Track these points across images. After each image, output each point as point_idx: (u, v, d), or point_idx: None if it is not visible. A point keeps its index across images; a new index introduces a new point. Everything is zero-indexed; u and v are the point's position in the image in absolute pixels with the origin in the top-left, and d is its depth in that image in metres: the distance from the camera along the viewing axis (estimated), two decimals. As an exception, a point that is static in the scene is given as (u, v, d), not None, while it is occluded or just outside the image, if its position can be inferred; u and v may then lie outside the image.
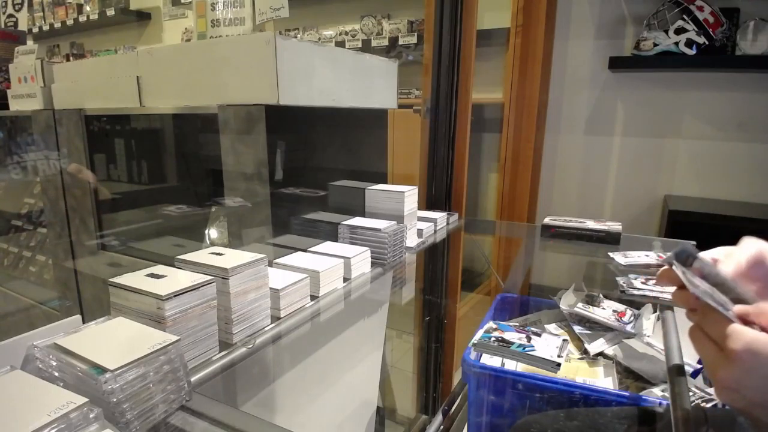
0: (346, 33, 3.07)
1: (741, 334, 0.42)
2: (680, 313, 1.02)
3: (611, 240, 1.30)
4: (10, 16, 1.62)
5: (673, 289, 0.51)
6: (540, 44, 2.18)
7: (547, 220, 1.40)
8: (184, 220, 1.24)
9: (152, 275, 0.63)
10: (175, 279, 0.61)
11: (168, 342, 0.51)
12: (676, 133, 2.17)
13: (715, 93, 2.07)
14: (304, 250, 0.93)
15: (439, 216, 1.28)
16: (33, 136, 1.39)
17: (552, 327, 1.27)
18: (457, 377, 1.68)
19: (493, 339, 1.06)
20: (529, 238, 1.67)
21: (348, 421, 1.20)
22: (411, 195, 1.12)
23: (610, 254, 1.23)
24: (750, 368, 0.41)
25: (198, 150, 1.19)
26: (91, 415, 0.42)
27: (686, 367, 0.58)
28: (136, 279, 0.61)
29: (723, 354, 0.43)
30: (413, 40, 2.82)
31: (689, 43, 1.91)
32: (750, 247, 0.51)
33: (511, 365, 1.09)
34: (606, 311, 1.21)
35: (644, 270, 1.16)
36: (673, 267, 0.49)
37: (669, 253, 0.51)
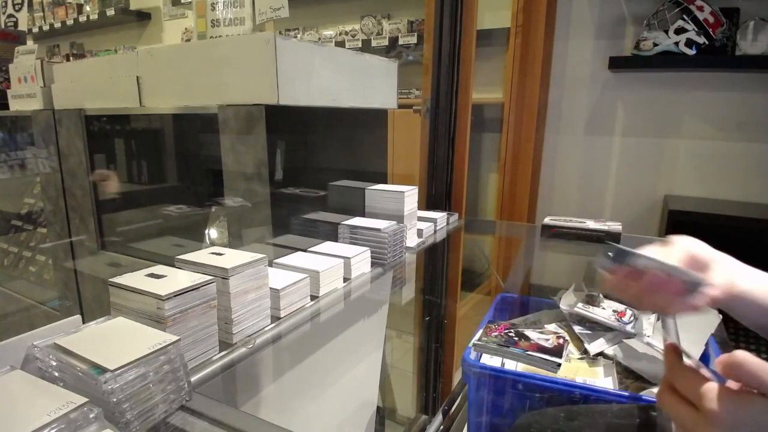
0: (346, 33, 3.07)
1: (717, 394, 0.40)
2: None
3: (611, 240, 1.30)
4: (10, 16, 1.62)
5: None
6: (540, 44, 2.18)
7: (547, 220, 1.40)
8: (184, 220, 1.24)
9: (152, 275, 0.62)
10: (175, 279, 0.61)
11: (168, 342, 0.51)
12: (676, 133, 2.17)
13: (715, 93, 2.06)
14: (304, 250, 0.93)
15: (439, 216, 1.28)
16: (33, 136, 1.39)
17: (552, 327, 1.27)
18: (457, 377, 1.68)
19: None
20: (529, 238, 1.67)
21: (348, 421, 1.20)
22: (411, 195, 1.12)
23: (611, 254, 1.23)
24: (731, 427, 0.39)
25: (198, 150, 1.19)
26: (91, 415, 0.42)
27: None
28: (136, 279, 0.61)
29: (701, 415, 0.41)
30: (413, 40, 2.82)
31: (689, 43, 1.91)
32: (680, 244, 0.54)
33: (511, 365, 1.09)
34: (606, 311, 1.21)
35: (644, 270, 1.16)
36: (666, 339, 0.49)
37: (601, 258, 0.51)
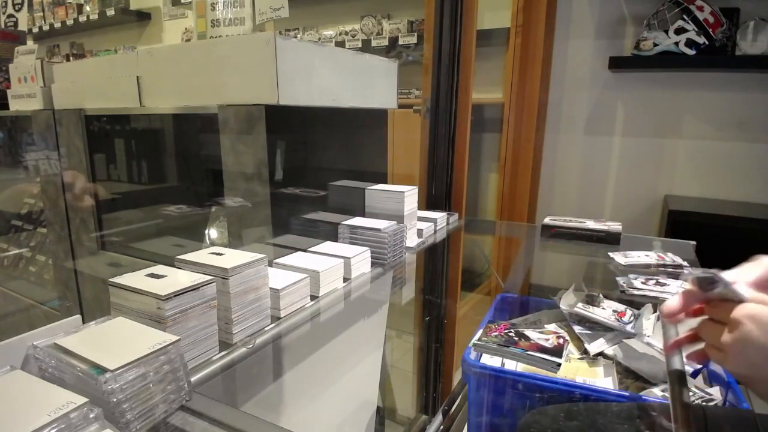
0: (346, 33, 3.07)
1: (742, 306, 0.47)
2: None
3: (611, 240, 1.30)
4: (10, 16, 1.62)
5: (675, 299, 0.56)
6: (540, 44, 2.18)
7: (547, 220, 1.40)
8: (184, 220, 1.24)
9: (152, 275, 0.62)
10: (175, 279, 0.61)
11: (168, 342, 0.51)
12: (676, 133, 2.17)
13: (715, 93, 2.06)
14: (304, 250, 0.93)
15: (439, 216, 1.28)
16: (33, 136, 1.40)
17: (552, 327, 1.27)
18: (457, 377, 1.68)
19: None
20: (529, 238, 1.67)
21: (348, 421, 1.20)
22: (411, 195, 1.12)
23: (610, 254, 1.23)
24: (749, 330, 0.46)
25: (198, 150, 1.19)
26: (91, 415, 0.42)
27: (686, 367, 0.58)
28: (136, 279, 0.61)
29: (727, 328, 0.48)
30: (413, 40, 2.82)
31: (689, 43, 1.91)
32: (761, 265, 0.55)
33: (511, 365, 1.09)
34: (606, 311, 1.21)
35: (644, 270, 1.16)
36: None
37: (692, 277, 0.54)
